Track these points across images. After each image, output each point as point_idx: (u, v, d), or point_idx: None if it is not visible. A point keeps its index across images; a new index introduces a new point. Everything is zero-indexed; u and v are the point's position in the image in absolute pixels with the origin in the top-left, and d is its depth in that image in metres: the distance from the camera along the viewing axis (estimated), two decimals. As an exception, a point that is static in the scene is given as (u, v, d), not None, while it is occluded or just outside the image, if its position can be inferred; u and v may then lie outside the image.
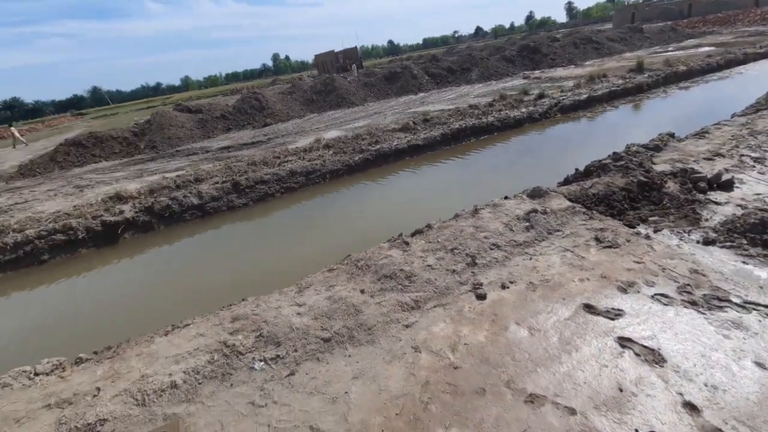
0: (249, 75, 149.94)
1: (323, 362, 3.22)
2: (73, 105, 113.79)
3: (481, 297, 3.68)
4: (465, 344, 3.20)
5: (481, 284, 3.83)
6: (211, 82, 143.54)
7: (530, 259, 4.19)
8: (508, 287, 3.78)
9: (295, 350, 3.32)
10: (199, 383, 3.10)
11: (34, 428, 2.83)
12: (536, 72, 22.64)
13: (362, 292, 3.88)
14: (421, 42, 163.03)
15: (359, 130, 11.52)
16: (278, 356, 3.28)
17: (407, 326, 3.45)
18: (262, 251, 6.13)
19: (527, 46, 26.03)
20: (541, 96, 13.69)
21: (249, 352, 3.33)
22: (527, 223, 4.70)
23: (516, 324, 3.37)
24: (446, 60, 24.77)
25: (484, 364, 3.02)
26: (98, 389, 3.08)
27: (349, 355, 3.25)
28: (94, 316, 5.25)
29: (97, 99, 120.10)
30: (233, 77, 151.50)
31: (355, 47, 56.64)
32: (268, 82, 60.97)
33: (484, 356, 3.08)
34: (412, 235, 4.91)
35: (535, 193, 5.28)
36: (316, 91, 20.80)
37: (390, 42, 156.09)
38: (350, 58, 49.25)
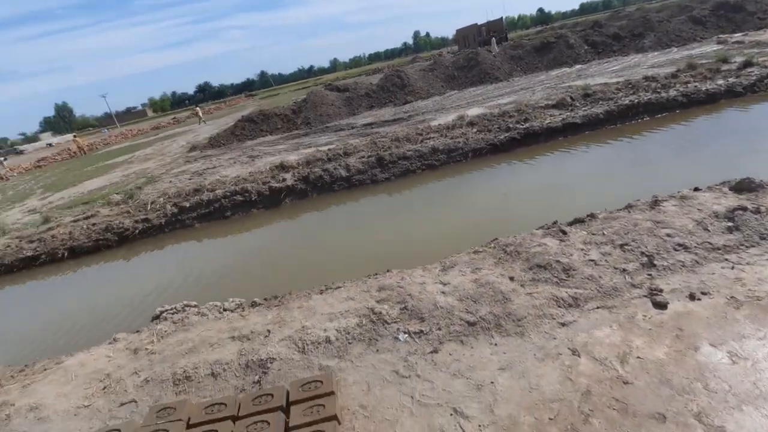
0: (390, 54, 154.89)
1: (467, 345, 3.11)
2: (246, 87, 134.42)
3: (661, 305, 3.08)
4: (638, 357, 2.72)
5: (661, 290, 3.20)
6: (356, 62, 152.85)
7: (732, 268, 3.34)
8: (699, 299, 3.09)
9: (439, 328, 3.29)
10: (349, 343, 3.31)
11: (223, 353, 3.41)
12: (736, 35, 17.91)
13: (511, 279, 3.62)
14: (576, 7, 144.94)
15: (506, 107, 10.82)
16: (422, 331, 3.30)
17: (563, 324, 3.10)
18: (404, 225, 6.30)
19: (725, 3, 20.71)
20: (747, 64, 10.77)
21: (394, 322, 3.43)
22: (730, 223, 3.74)
23: (710, 345, 2.74)
24: (612, 25, 21.40)
25: (665, 385, 2.52)
26: (268, 331, 3.55)
27: (496, 344, 3.08)
28: (264, 265, 6.16)
29: (264, 82, 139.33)
30: (375, 57, 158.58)
31: (500, 18, 53.17)
32: (408, 60, 61.96)
33: (664, 376, 2.57)
34: (570, 224, 4.38)
35: (744, 186, 4.17)
36: (458, 66, 20.24)
37: (540, 10, 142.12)
38: (494, 31, 46.48)
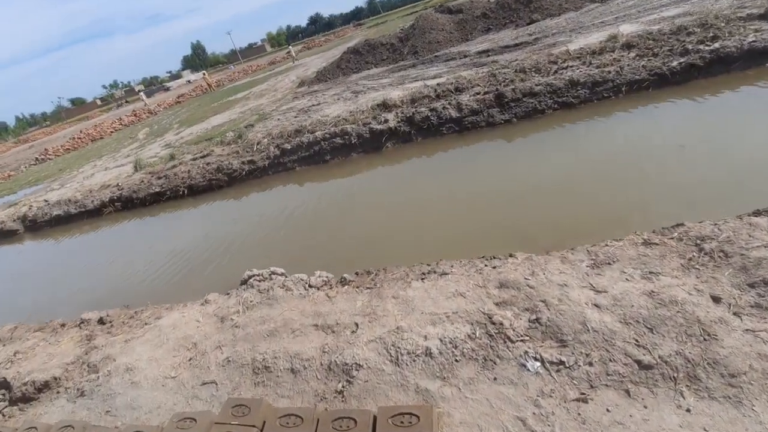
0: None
1: (637, 401, 2.06)
2: (355, 16, 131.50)
3: None
4: None
5: None
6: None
7: None
8: None
9: (590, 363, 2.26)
10: (456, 360, 2.49)
11: (305, 345, 2.90)
12: None
13: (716, 300, 2.33)
14: None
15: (680, 21, 7.99)
16: (562, 363, 2.31)
17: (829, 402, 1.82)
18: (527, 185, 5.00)
19: None
20: None
21: (520, 341, 2.48)
22: None
23: None
24: None
25: None
26: (356, 325, 2.91)
27: (688, 409, 1.96)
28: (357, 221, 5.55)
29: (372, 9, 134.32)
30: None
31: None
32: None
33: None
34: (827, 210, 2.74)
35: None
36: (604, -30, 16.01)
37: None
38: None
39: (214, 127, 15.26)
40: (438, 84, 8.30)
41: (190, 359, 3.21)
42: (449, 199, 5.31)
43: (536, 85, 6.75)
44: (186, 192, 8.53)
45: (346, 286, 3.38)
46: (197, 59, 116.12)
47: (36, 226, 10.04)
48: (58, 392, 3.47)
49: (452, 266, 3.27)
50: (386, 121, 7.48)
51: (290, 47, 41.13)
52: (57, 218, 9.74)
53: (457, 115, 7.02)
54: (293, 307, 3.28)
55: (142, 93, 46.44)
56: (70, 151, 25.15)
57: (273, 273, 3.75)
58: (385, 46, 16.90)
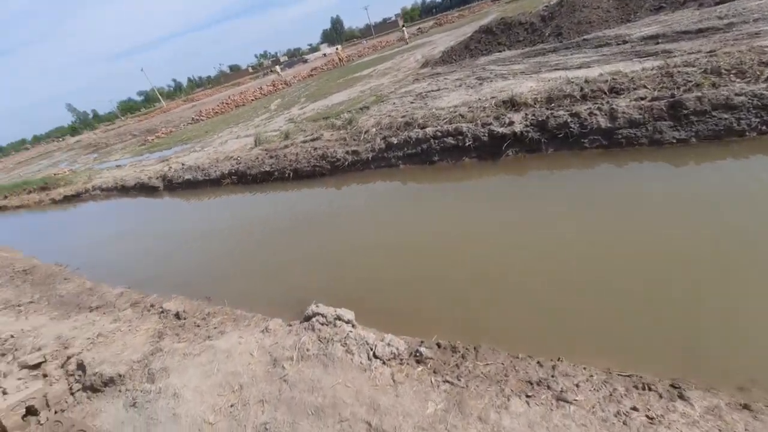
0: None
1: None
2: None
3: None
4: None
5: None
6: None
7: None
8: None
9: None
10: None
11: None
12: None
13: None
14: None
15: None
16: None
17: None
18: (711, 246, 3.44)
19: None
20: None
21: None
22: None
23: None
24: None
25: None
26: (421, 444, 2.10)
27: None
28: (455, 248, 4.60)
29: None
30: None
31: None
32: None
33: None
34: None
35: None
36: None
37: None
38: None
39: (334, 105, 15.37)
40: (586, 81, 6.62)
41: (232, 406, 2.79)
42: (583, 244, 4.00)
43: (737, 94, 4.78)
44: (291, 175, 8.51)
45: (420, 367, 2.57)
46: (335, 33, 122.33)
47: (171, 186, 11.27)
48: (119, 391, 3.42)
49: (577, 383, 2.20)
50: (511, 123, 6.21)
51: (403, 27, 39.43)
52: (187, 182, 10.75)
53: (608, 124, 5.43)
54: (349, 380, 2.60)
55: (277, 66, 50.42)
56: (218, 115, 28.45)
57: (338, 318, 3.12)
58: (523, 26, 14.86)
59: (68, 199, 14.67)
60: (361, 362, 2.69)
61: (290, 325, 3.43)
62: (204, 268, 6.16)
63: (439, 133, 6.78)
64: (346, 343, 2.84)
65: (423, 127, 7.18)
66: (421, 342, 2.83)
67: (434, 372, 2.51)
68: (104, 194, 13.52)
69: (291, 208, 7.48)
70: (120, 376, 3.49)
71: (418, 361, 2.61)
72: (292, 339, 3.16)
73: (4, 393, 3.71)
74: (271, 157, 9.24)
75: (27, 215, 15.68)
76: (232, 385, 2.96)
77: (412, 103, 10.22)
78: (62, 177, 18.36)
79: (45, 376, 3.86)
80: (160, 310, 4.42)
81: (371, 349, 2.73)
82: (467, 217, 5.20)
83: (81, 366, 3.71)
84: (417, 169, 7.04)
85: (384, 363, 2.64)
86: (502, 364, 2.47)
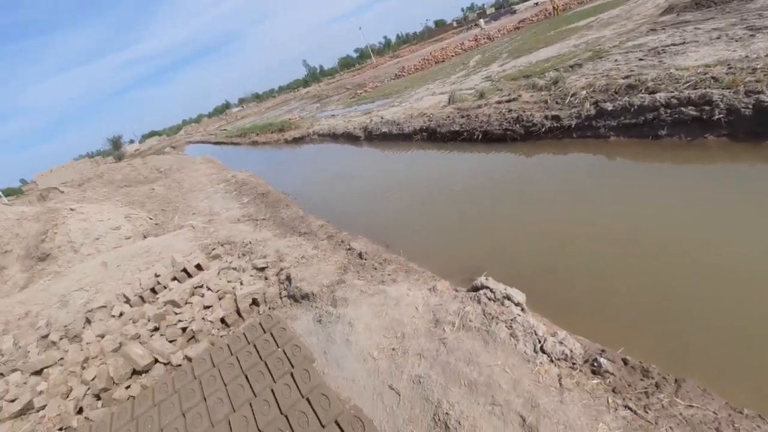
0: None
1: None
2: None
3: None
4: None
5: None
6: None
7: None
8: None
9: None
10: None
11: (499, 436, 2.11)
12: None
13: None
14: None
15: None
16: None
17: None
18: None
19: None
20: None
21: None
22: None
23: None
24: None
25: None
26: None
27: None
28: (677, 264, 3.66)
29: None
30: None
31: None
32: None
33: None
34: None
35: None
36: None
37: None
38: None
39: (539, 61, 13.91)
40: None
41: (393, 350, 3.03)
42: None
43: None
44: (480, 137, 8.25)
45: (596, 379, 2.22)
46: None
47: (371, 137, 12.49)
48: (311, 306, 4.14)
49: None
50: (802, 90, 4.37)
51: None
52: (383, 135, 11.71)
53: None
54: (509, 366, 2.45)
55: (481, 20, 48.01)
56: (418, 71, 29.57)
57: (507, 298, 2.93)
58: None
59: (295, 140, 18.02)
60: (525, 351, 2.49)
61: (456, 291, 3.44)
62: (387, 216, 6.73)
63: (675, 101, 5.34)
64: (511, 327, 2.67)
65: (652, 92, 5.79)
66: (602, 351, 2.42)
67: (613, 391, 2.12)
68: (320, 139, 16.06)
69: (475, 171, 7.33)
70: (313, 294, 4.20)
71: (594, 372, 2.26)
72: (456, 305, 3.17)
73: (241, 283, 4.97)
74: (463, 116, 9.11)
75: (269, 150, 20.07)
76: (395, 331, 3.20)
77: (641, 60, 8.37)
78: (293, 122, 22.57)
79: (266, 278, 4.99)
80: (348, 247, 5.07)
81: (539, 342, 2.49)
82: (700, 214, 4.05)
83: (288, 278, 4.62)
84: (633, 144, 5.82)
85: (552, 361, 2.38)
86: (714, 413, 1.90)
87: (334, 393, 2.85)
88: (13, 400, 4.16)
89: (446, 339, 2.87)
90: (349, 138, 13.72)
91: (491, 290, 3.06)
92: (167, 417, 3.31)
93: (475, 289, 3.22)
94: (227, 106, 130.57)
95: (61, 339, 5.26)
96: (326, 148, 14.72)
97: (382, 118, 13.01)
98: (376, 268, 4.38)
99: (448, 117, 9.61)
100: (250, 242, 6.38)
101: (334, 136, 14.88)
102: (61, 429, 3.70)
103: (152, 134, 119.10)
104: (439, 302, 3.31)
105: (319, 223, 6.58)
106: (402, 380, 2.76)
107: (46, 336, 5.46)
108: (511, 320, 2.73)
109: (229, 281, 5.20)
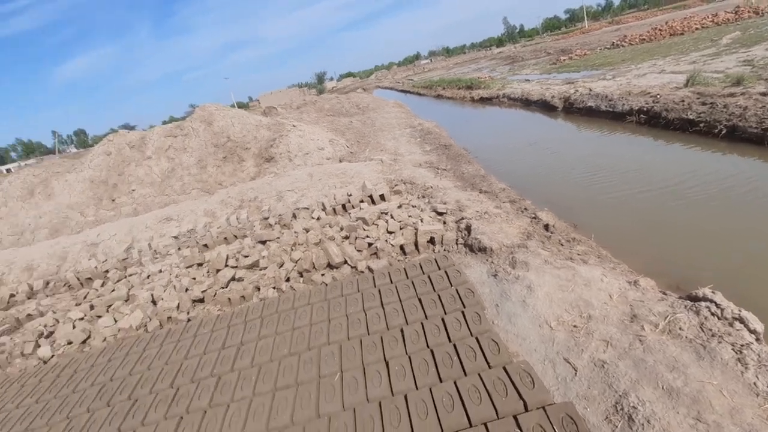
0: None
1: None
2: None
3: None
4: None
5: None
6: None
7: None
8: None
9: None
10: None
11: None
12: None
13: None
14: None
15: None
16: None
17: None
18: None
19: None
20: None
21: None
22: None
23: None
24: None
25: None
26: None
27: None
28: None
29: None
30: None
31: None
32: None
33: None
34: None
35: None
36: None
37: None
38: None
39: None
40: None
41: (575, 327, 2.94)
42: None
43: None
44: (723, 132, 6.66)
45: None
46: None
47: (571, 109, 11.35)
48: (486, 260, 4.25)
49: None
50: None
51: None
52: (587, 109, 10.50)
53: None
54: (727, 390, 2.11)
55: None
56: (644, 42, 24.85)
57: (740, 320, 2.46)
58: None
59: (482, 101, 17.66)
60: (755, 384, 2.10)
61: (664, 293, 3.05)
62: (577, 198, 6.22)
63: None
64: (741, 352, 2.26)
65: None
66: None
67: None
68: (509, 103, 15.37)
69: (706, 171, 6.05)
70: (491, 249, 4.29)
71: None
72: (663, 307, 2.83)
73: (422, 221, 5.38)
74: (704, 103, 7.44)
75: (452, 106, 20.22)
76: (581, 310, 3.07)
77: None
78: (483, 81, 22.01)
79: (444, 223, 5.27)
80: (533, 216, 4.92)
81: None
82: None
83: (468, 228, 4.79)
84: None
85: None
86: None
87: (503, 342, 2.95)
88: (246, 256, 5.55)
89: (644, 337, 2.62)
90: (543, 106, 12.77)
91: (717, 306, 2.61)
92: (351, 308, 3.95)
93: (694, 299, 2.80)
94: (416, 57, 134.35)
95: (275, 224, 6.64)
96: (515, 113, 14.05)
97: (590, 90, 11.61)
98: (562, 244, 4.18)
99: (682, 101, 7.98)
100: (431, 187, 6.75)
101: (526, 103, 14.04)
102: (274, 287, 4.81)
103: (348, 75, 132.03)
104: (641, 298, 3.00)
105: (501, 185, 6.51)
106: (582, 359, 2.68)
107: (266, 218, 6.96)
108: (741, 346, 2.30)
109: (409, 216, 5.68)
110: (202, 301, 4.95)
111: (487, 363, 2.84)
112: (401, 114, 16.08)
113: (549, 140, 9.83)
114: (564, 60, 25.19)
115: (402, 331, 3.42)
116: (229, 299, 4.80)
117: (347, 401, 2.87)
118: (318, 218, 6.50)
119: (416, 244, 4.90)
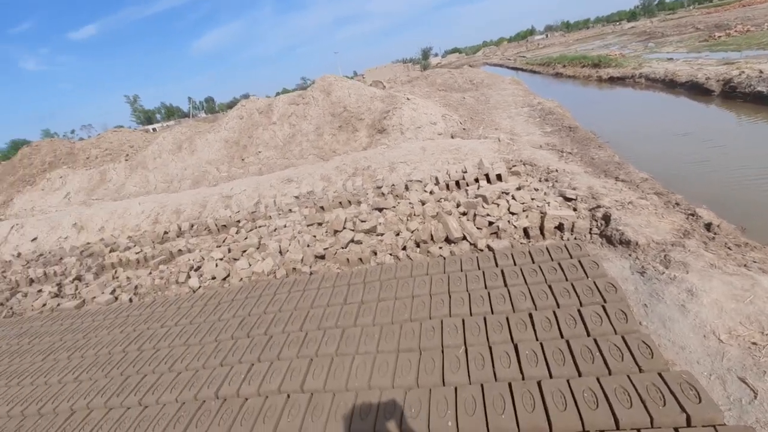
0: None
1: None
2: None
3: None
4: None
5: None
6: None
7: None
8: None
9: None
10: None
11: None
12: None
13: None
14: None
15: None
16: None
17: None
18: None
19: None
20: None
21: None
22: None
23: None
24: None
25: None
26: None
27: None
28: None
29: None
30: None
31: None
32: None
33: None
34: None
35: None
36: None
37: None
38: None
39: None
40: None
41: (753, 344, 2.49)
42: None
43: None
44: None
45: None
46: None
47: (732, 93, 9.54)
48: (629, 255, 3.81)
49: None
50: None
51: None
52: (756, 94, 8.71)
53: None
54: None
55: None
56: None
57: None
58: None
59: (612, 80, 15.74)
60: None
61: None
62: (747, 200, 5.26)
63: None
64: None
65: None
66: None
67: None
68: (647, 84, 13.45)
69: None
70: (636, 243, 3.83)
71: None
72: None
73: (548, 204, 5.01)
74: None
75: (575, 85, 18.40)
76: (763, 326, 2.59)
77: None
78: (613, 59, 19.55)
79: (575, 209, 4.84)
80: (689, 212, 4.26)
81: None
82: None
83: (606, 218, 4.34)
84: None
85: None
86: None
87: (656, 347, 2.63)
88: (364, 221, 5.76)
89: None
90: (693, 89, 10.92)
91: None
92: (473, 284, 3.86)
93: None
94: (531, 32, 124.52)
95: (388, 193, 6.76)
96: (653, 96, 12.27)
97: (760, 72, 9.58)
98: (730, 248, 3.55)
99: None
100: (556, 170, 6.25)
101: (670, 84, 12.15)
102: (390, 254, 4.93)
103: (454, 50, 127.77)
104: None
105: (642, 175, 5.76)
106: (764, 381, 2.27)
107: (379, 187, 7.12)
108: None
109: (533, 198, 5.34)
110: (323, 258, 5.29)
111: (638, 366, 2.56)
112: (518, 91, 15.09)
113: (709, 131, 8.36)
114: (719, 37, 21.20)
115: (531, 315, 3.25)
116: (348, 259, 5.04)
117: (474, 376, 2.83)
118: (431, 192, 6.46)
119: (542, 229, 4.60)
